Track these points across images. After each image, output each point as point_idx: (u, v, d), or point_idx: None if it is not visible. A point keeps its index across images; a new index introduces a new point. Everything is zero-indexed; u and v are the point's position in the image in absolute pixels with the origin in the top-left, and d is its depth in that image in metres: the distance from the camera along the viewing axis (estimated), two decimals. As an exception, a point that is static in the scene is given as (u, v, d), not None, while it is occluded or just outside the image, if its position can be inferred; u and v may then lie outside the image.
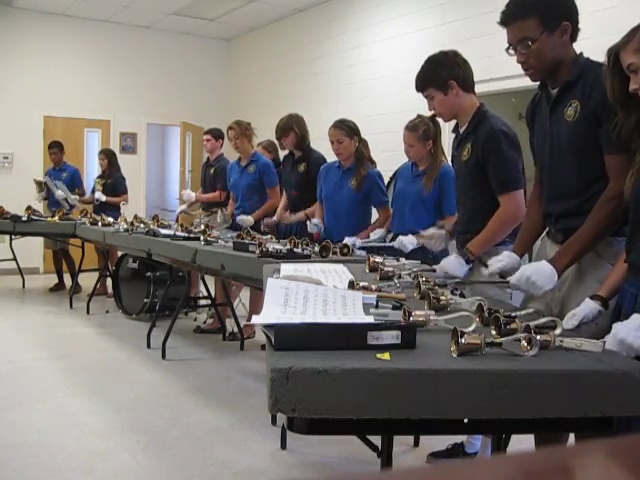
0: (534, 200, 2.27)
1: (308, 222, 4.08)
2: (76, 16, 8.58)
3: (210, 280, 5.31)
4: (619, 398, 1.30)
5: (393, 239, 3.42)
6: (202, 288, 5.57)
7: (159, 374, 4.17)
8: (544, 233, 2.26)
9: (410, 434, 2.88)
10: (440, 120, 3.44)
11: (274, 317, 1.49)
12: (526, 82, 2.27)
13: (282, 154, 5.06)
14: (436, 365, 1.28)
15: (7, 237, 7.21)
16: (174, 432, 3.20)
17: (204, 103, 9.33)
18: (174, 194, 9.77)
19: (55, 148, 7.18)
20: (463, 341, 1.36)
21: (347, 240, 3.60)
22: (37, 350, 4.70)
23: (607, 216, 1.88)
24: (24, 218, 6.34)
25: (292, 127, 4.46)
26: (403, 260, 2.85)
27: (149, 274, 5.49)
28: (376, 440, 2.39)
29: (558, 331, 1.54)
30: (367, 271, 2.58)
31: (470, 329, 1.48)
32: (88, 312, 5.95)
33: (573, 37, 2.03)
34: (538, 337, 1.42)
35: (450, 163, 3.29)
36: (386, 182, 4.46)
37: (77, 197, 6.98)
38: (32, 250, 8.03)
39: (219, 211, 5.24)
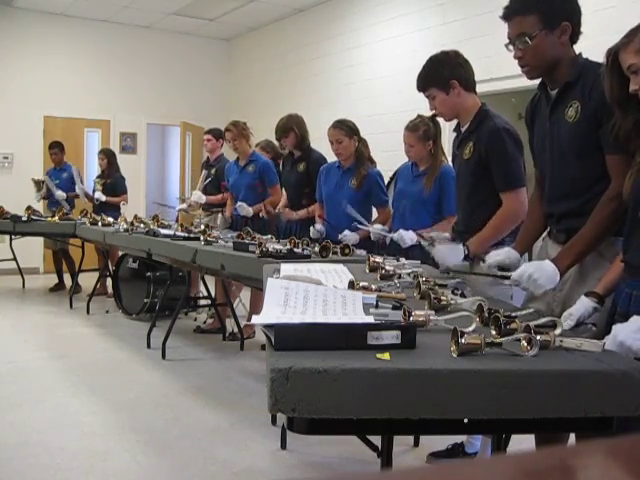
0: (534, 200, 2.28)
1: (311, 228, 4.07)
2: (76, 16, 8.58)
3: (210, 280, 5.32)
4: (619, 398, 1.30)
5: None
6: (202, 288, 5.57)
7: (159, 374, 4.17)
8: (545, 233, 2.26)
9: (410, 434, 2.88)
10: (440, 120, 3.44)
11: (274, 317, 1.49)
12: (526, 82, 2.27)
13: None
14: (436, 365, 1.28)
15: (7, 237, 7.21)
16: (174, 432, 3.20)
17: (204, 103, 9.33)
18: (174, 194, 9.76)
19: (56, 148, 7.19)
20: (463, 341, 1.36)
21: (346, 232, 3.61)
22: (37, 350, 4.70)
23: (609, 216, 1.88)
24: (24, 218, 6.34)
25: (292, 127, 4.46)
26: (403, 260, 2.85)
27: (149, 274, 5.49)
28: (376, 440, 2.39)
29: (558, 331, 1.54)
30: (367, 271, 2.58)
31: (470, 329, 1.48)
32: (88, 312, 5.95)
33: (573, 38, 2.03)
34: (538, 337, 1.42)
35: (451, 163, 3.29)
36: (386, 182, 4.46)
37: (84, 187, 6.99)
38: (32, 250, 8.03)
39: (219, 214, 5.23)
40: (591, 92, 1.93)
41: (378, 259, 2.68)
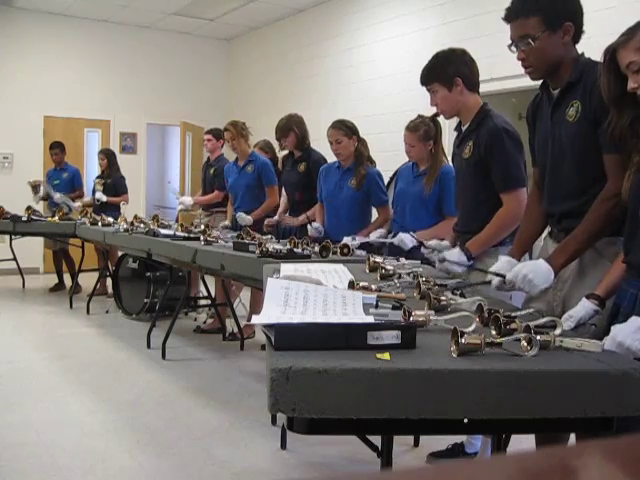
0: (532, 201, 2.27)
1: (309, 226, 4.07)
2: (76, 16, 8.58)
3: (210, 280, 5.32)
4: (619, 398, 1.30)
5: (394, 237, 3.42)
6: (202, 288, 5.57)
7: (159, 374, 4.17)
8: (546, 233, 2.26)
9: (410, 434, 2.88)
10: (441, 120, 3.44)
11: (274, 317, 1.49)
12: (526, 82, 2.27)
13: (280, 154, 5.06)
14: (436, 365, 1.28)
15: (7, 237, 7.21)
16: (174, 432, 3.20)
17: (204, 103, 9.33)
18: (173, 190, 9.76)
19: (57, 149, 7.19)
20: (463, 341, 1.36)
21: (346, 240, 3.60)
22: (37, 350, 4.70)
23: (603, 215, 1.88)
24: (24, 218, 6.34)
25: (292, 127, 4.46)
26: (403, 260, 2.85)
27: (149, 274, 5.49)
28: (376, 440, 2.39)
29: (558, 331, 1.54)
30: (367, 271, 2.58)
31: (470, 329, 1.48)
32: (88, 312, 5.95)
33: (576, 38, 2.03)
34: (538, 337, 1.42)
35: (451, 163, 3.29)
36: (386, 182, 4.46)
37: (79, 204, 6.97)
38: (32, 250, 8.03)
39: (221, 224, 5.23)
40: (592, 92, 1.93)
41: (378, 259, 2.68)
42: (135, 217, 5.56)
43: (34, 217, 6.39)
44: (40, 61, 8.45)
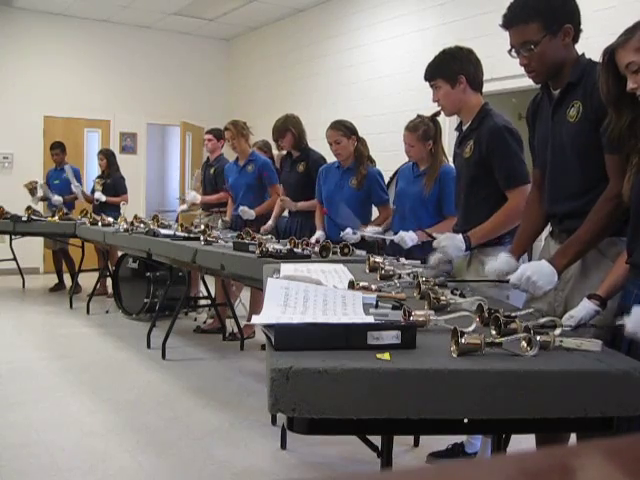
0: (531, 202, 2.27)
1: (313, 238, 4.06)
2: (76, 16, 8.58)
3: (210, 280, 5.32)
4: (619, 398, 1.30)
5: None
6: (202, 288, 5.57)
7: (159, 374, 4.17)
8: (547, 233, 2.26)
9: (410, 434, 2.88)
10: (441, 120, 3.44)
11: (274, 317, 1.49)
12: (526, 82, 2.27)
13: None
14: (436, 365, 1.28)
15: (7, 237, 7.21)
16: (174, 432, 3.20)
17: (204, 103, 9.33)
18: (174, 194, 9.77)
19: (57, 149, 7.19)
20: (463, 341, 1.36)
21: (348, 230, 3.61)
22: (37, 350, 4.70)
23: (606, 216, 1.88)
24: (24, 218, 6.34)
25: (289, 128, 4.47)
26: (403, 260, 2.85)
27: (149, 274, 5.49)
28: (376, 440, 2.39)
29: (558, 331, 1.54)
30: (367, 271, 2.59)
31: (470, 329, 1.48)
32: (88, 312, 5.95)
33: (575, 39, 2.03)
34: (538, 337, 1.42)
35: (451, 163, 3.29)
36: (386, 182, 4.46)
37: (80, 186, 6.96)
38: (32, 250, 8.03)
39: (220, 220, 5.23)
40: (592, 92, 1.92)
41: (378, 259, 2.68)
42: (135, 217, 5.56)
43: (34, 217, 6.38)
44: (40, 61, 8.45)
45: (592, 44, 2.08)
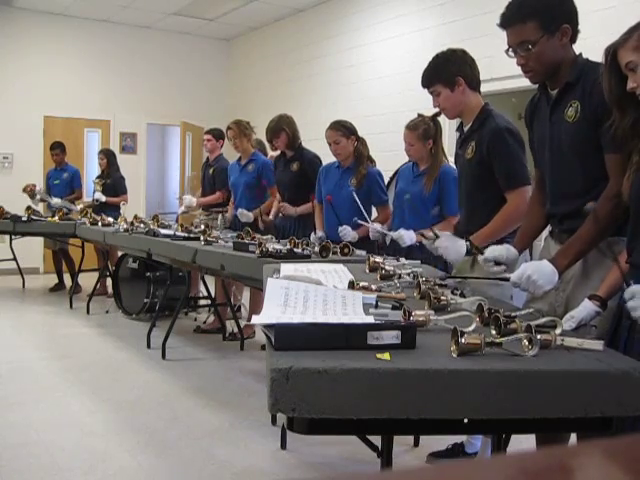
0: (533, 200, 2.28)
1: (312, 234, 4.07)
2: (76, 16, 8.58)
3: (210, 280, 5.32)
4: (619, 398, 1.30)
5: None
6: (202, 288, 5.57)
7: (159, 374, 4.17)
8: (547, 233, 2.26)
9: (410, 434, 2.88)
10: (441, 120, 3.44)
11: (274, 317, 1.49)
12: (526, 82, 2.26)
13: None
14: (436, 365, 1.28)
15: (7, 237, 7.21)
16: (174, 432, 3.20)
17: (204, 103, 9.33)
18: (174, 194, 9.77)
19: (57, 149, 7.19)
20: (463, 341, 1.36)
21: (345, 227, 3.62)
22: (37, 350, 4.70)
23: (606, 215, 1.88)
24: (24, 218, 6.34)
25: (283, 128, 4.48)
26: (403, 260, 2.85)
27: (149, 274, 5.49)
28: (376, 440, 2.39)
29: (558, 331, 1.54)
30: (367, 271, 2.58)
31: (470, 329, 1.48)
32: (88, 312, 5.95)
33: (573, 39, 2.03)
34: (539, 336, 1.42)
35: (451, 163, 3.29)
36: (386, 182, 4.46)
37: (82, 206, 6.95)
38: (32, 250, 8.03)
39: (220, 215, 5.23)
40: (591, 92, 1.92)
41: (378, 259, 2.68)
42: (135, 217, 5.56)
43: (34, 217, 6.38)
44: (40, 61, 8.45)
45: (592, 44, 2.08)
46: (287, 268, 2.45)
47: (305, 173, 4.44)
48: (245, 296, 5.38)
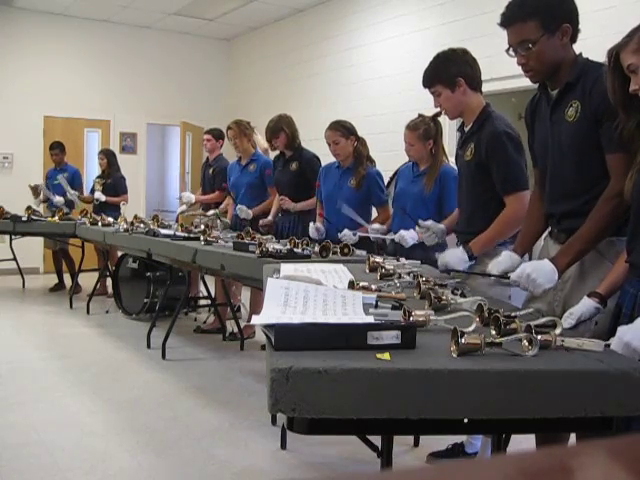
0: (534, 202, 2.28)
1: (311, 224, 4.07)
2: (76, 16, 8.58)
3: (210, 280, 5.32)
4: (619, 398, 1.30)
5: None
6: (202, 288, 5.57)
7: (159, 374, 4.17)
8: (546, 233, 2.26)
9: (410, 434, 2.88)
10: (441, 120, 3.44)
11: (274, 317, 1.49)
12: (526, 82, 2.27)
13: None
14: (436, 365, 1.28)
15: (7, 237, 7.21)
16: (174, 432, 3.20)
17: (204, 103, 9.33)
18: (174, 194, 9.77)
19: (57, 149, 7.19)
20: (463, 341, 1.36)
21: (346, 232, 3.61)
22: (37, 350, 4.70)
23: (607, 215, 1.88)
24: (24, 218, 6.34)
25: (282, 128, 4.48)
26: (403, 260, 2.85)
27: (149, 274, 5.49)
28: (376, 440, 2.39)
29: (558, 330, 1.54)
30: (367, 271, 2.58)
31: (470, 329, 1.48)
32: (88, 312, 5.95)
33: (573, 38, 2.03)
34: (539, 337, 1.42)
35: (451, 163, 3.29)
36: (386, 182, 4.46)
37: (76, 192, 6.96)
38: (32, 250, 8.03)
39: (218, 220, 5.23)
40: (591, 92, 1.92)
41: (378, 259, 2.68)
42: (135, 217, 5.56)
43: (34, 217, 6.38)
44: (40, 61, 8.45)
45: (592, 44, 2.08)
46: (287, 268, 2.45)
47: (304, 173, 4.44)
48: (245, 296, 5.38)
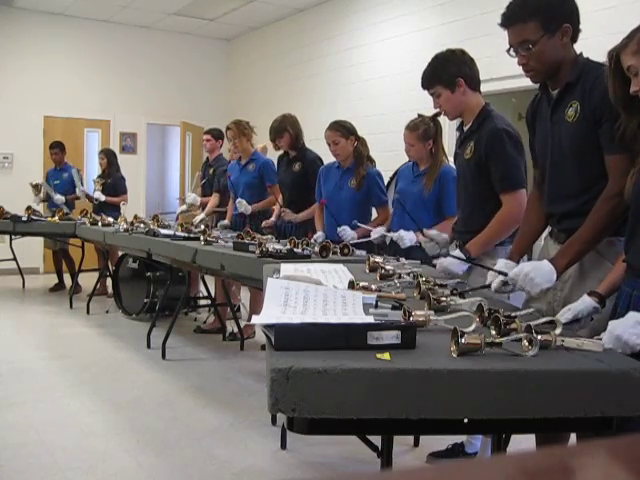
0: (532, 202, 2.27)
1: (313, 238, 4.06)
2: (76, 16, 8.58)
3: (210, 280, 5.31)
4: (619, 398, 1.30)
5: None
6: (202, 288, 5.57)
7: (159, 374, 4.17)
8: (546, 233, 2.26)
9: (410, 434, 2.88)
10: (441, 120, 3.44)
11: (274, 317, 1.49)
12: (526, 82, 2.27)
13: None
14: (436, 365, 1.28)
15: (7, 237, 7.21)
16: (174, 432, 3.20)
17: (204, 103, 9.33)
18: (174, 194, 9.77)
19: (56, 148, 7.19)
20: (463, 341, 1.36)
21: (344, 227, 3.62)
22: (37, 350, 4.70)
23: (606, 215, 1.88)
24: (24, 218, 6.34)
25: (286, 128, 4.47)
26: (403, 260, 2.85)
27: (149, 274, 5.49)
28: (376, 440, 2.39)
29: (558, 330, 1.54)
30: (367, 271, 2.58)
31: (470, 329, 1.48)
32: (88, 312, 5.95)
33: (574, 38, 2.03)
34: (539, 337, 1.42)
35: (451, 163, 3.29)
36: (386, 182, 4.46)
37: (85, 190, 6.98)
38: (32, 250, 8.03)
39: (217, 224, 5.23)
40: (591, 92, 1.93)
41: (378, 259, 2.68)
42: (135, 217, 5.56)
43: (34, 217, 6.38)
44: (40, 61, 8.45)
45: (592, 44, 2.08)
46: (287, 268, 2.45)
47: (307, 174, 4.44)
48: (245, 296, 5.38)
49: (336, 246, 3.29)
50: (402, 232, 3.25)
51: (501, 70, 4.93)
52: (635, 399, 1.30)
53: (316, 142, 4.76)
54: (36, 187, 7.07)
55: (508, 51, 2.06)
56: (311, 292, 1.70)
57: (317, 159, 4.54)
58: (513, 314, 1.61)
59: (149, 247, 4.55)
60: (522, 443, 2.28)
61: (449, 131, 4.86)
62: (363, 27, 7.16)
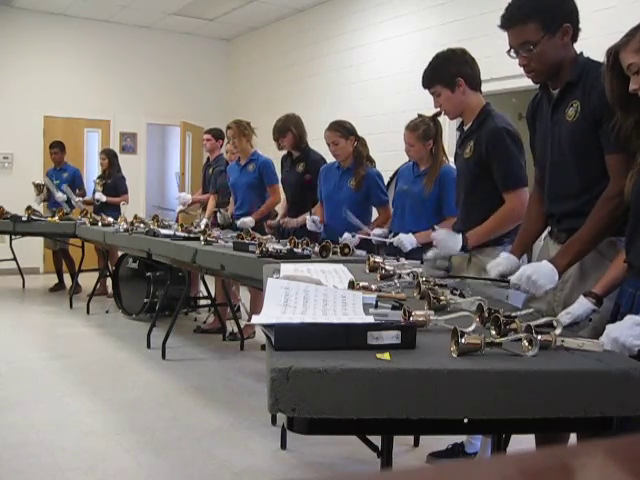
0: (533, 201, 2.28)
1: (307, 217, 4.08)
2: (76, 16, 8.58)
3: (210, 280, 5.31)
4: (619, 398, 1.30)
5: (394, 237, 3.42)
6: (202, 288, 5.57)
7: (159, 374, 4.17)
8: (546, 233, 2.26)
9: (410, 434, 2.88)
10: (441, 120, 3.44)
11: (274, 317, 1.49)
12: (526, 82, 2.27)
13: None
14: (436, 365, 1.28)
15: (7, 237, 7.21)
16: (174, 432, 3.20)
17: (204, 103, 9.33)
18: (174, 194, 9.76)
19: (56, 148, 7.19)
20: (463, 341, 1.36)
21: (346, 235, 3.61)
22: (37, 350, 4.70)
23: (607, 215, 1.88)
24: (24, 218, 6.34)
25: (289, 128, 4.47)
26: (403, 260, 2.85)
27: (149, 274, 5.49)
28: (376, 440, 2.39)
29: (558, 331, 1.54)
30: (367, 271, 2.58)
31: (470, 329, 1.48)
32: (88, 312, 5.95)
33: (574, 38, 2.03)
34: (539, 337, 1.42)
35: (451, 163, 3.29)
36: (386, 182, 4.46)
37: (81, 199, 6.98)
38: (32, 250, 8.03)
39: (217, 213, 5.24)
40: (591, 91, 1.92)
41: (378, 259, 2.68)
42: (135, 217, 5.56)
43: (34, 217, 6.39)
44: (40, 61, 8.45)
45: (592, 44, 2.08)
46: (287, 268, 2.45)
47: (309, 173, 4.42)
48: (245, 296, 5.38)
49: (336, 246, 3.30)
50: (402, 236, 3.25)
51: (501, 70, 4.93)
52: (635, 399, 1.30)
53: (316, 142, 4.75)
54: (38, 187, 7.07)
55: (509, 52, 2.06)
56: (311, 292, 1.70)
57: (321, 160, 4.53)
58: (513, 314, 1.61)
59: (149, 247, 4.55)
60: (522, 443, 2.28)
61: (449, 131, 4.87)
62: (363, 27, 7.16)
